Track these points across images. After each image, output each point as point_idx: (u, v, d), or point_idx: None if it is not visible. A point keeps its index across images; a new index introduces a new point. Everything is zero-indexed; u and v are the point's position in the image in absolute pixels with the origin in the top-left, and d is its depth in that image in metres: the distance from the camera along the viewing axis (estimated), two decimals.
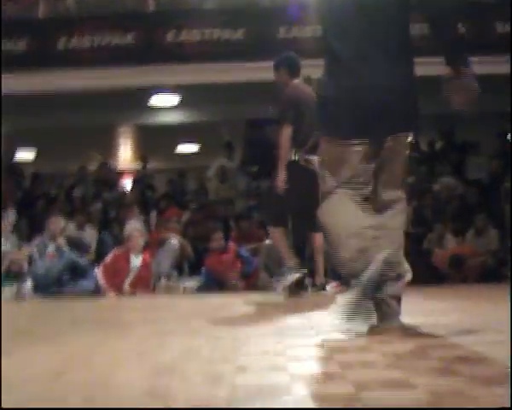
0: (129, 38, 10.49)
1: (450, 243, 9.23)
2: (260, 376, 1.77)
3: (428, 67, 9.16)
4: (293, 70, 6.33)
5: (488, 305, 4.15)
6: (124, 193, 11.63)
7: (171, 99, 11.60)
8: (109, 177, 12.13)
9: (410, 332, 2.68)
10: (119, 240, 9.55)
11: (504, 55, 10.68)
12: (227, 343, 2.50)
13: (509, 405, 1.34)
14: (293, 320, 3.46)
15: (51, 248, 8.63)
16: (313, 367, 1.88)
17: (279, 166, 5.94)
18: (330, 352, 2.16)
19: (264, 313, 4.09)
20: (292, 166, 5.85)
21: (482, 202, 10.30)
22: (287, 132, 5.99)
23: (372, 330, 2.67)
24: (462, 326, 2.90)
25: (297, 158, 5.95)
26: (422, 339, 2.48)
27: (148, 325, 3.62)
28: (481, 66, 10.47)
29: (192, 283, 7.19)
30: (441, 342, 2.39)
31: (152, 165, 13.61)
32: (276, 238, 6.03)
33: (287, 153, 5.98)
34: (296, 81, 6.37)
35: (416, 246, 9.11)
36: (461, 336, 2.51)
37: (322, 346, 2.33)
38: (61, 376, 1.86)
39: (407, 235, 8.57)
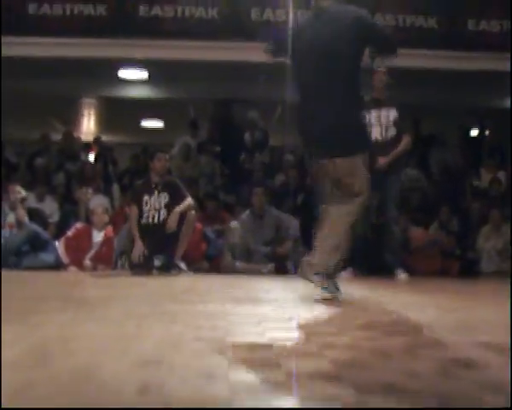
0: (101, 10, 10.27)
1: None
2: (255, 372, 1.69)
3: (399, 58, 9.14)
4: None
5: (461, 301, 4.14)
6: (87, 165, 11.44)
7: (140, 74, 11.42)
8: (73, 148, 11.91)
9: (393, 328, 2.63)
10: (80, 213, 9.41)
11: (473, 51, 10.82)
12: (208, 333, 2.41)
13: (508, 405, 1.31)
14: (267, 309, 3.39)
15: (11, 219, 8.43)
16: (307, 365, 1.80)
17: None
18: (319, 348, 2.09)
19: (234, 298, 4.02)
20: None
21: (446, 194, 10.39)
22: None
23: (357, 326, 2.62)
24: (442, 324, 2.86)
25: None
26: (408, 337, 2.43)
27: (119, 305, 3.51)
28: (450, 61, 10.68)
29: (157, 262, 7.07)
30: (427, 341, 2.34)
31: (116, 138, 13.43)
32: None
33: None
34: None
35: (380, 237, 9.15)
36: (444, 335, 2.46)
37: (308, 340, 2.26)
38: (41, 364, 1.76)
39: (372, 226, 8.67)
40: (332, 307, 3.56)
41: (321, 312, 3.26)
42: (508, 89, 10.53)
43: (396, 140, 7.18)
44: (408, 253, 8.61)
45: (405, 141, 7.22)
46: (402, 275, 7.12)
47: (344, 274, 7.16)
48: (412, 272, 8.10)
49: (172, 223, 7.01)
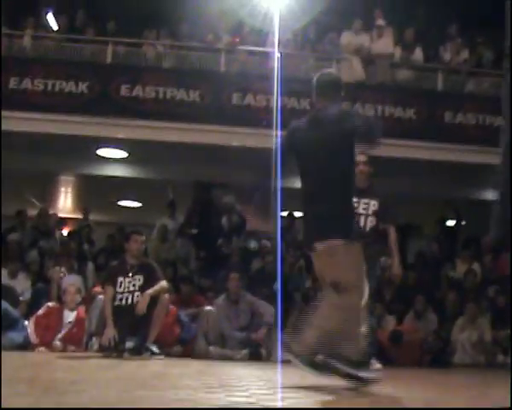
0: (83, 87, 10.35)
1: (390, 323, 9.21)
2: None
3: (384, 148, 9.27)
4: None
5: (435, 394, 4.06)
6: (61, 243, 11.30)
7: (119, 153, 11.45)
8: (48, 225, 11.79)
9: None
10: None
11: (450, 143, 11.02)
12: None
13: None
14: (239, 398, 3.28)
15: None
16: None
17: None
18: None
19: (206, 385, 3.90)
20: None
21: (421, 284, 10.38)
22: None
23: None
24: None
25: None
26: None
27: (87, 390, 3.39)
28: (427, 152, 10.84)
29: (129, 344, 6.89)
30: None
31: (92, 216, 13.35)
32: None
33: None
34: None
35: None
36: None
37: None
38: None
39: None
40: (303, 398, 3.47)
41: (292, 403, 3.16)
42: (485, 181, 10.70)
43: (375, 231, 6.94)
44: (399, 347, 8.50)
45: (393, 234, 6.90)
46: (376, 365, 6.96)
47: None
48: (388, 362, 8.00)
49: (142, 306, 6.89)
